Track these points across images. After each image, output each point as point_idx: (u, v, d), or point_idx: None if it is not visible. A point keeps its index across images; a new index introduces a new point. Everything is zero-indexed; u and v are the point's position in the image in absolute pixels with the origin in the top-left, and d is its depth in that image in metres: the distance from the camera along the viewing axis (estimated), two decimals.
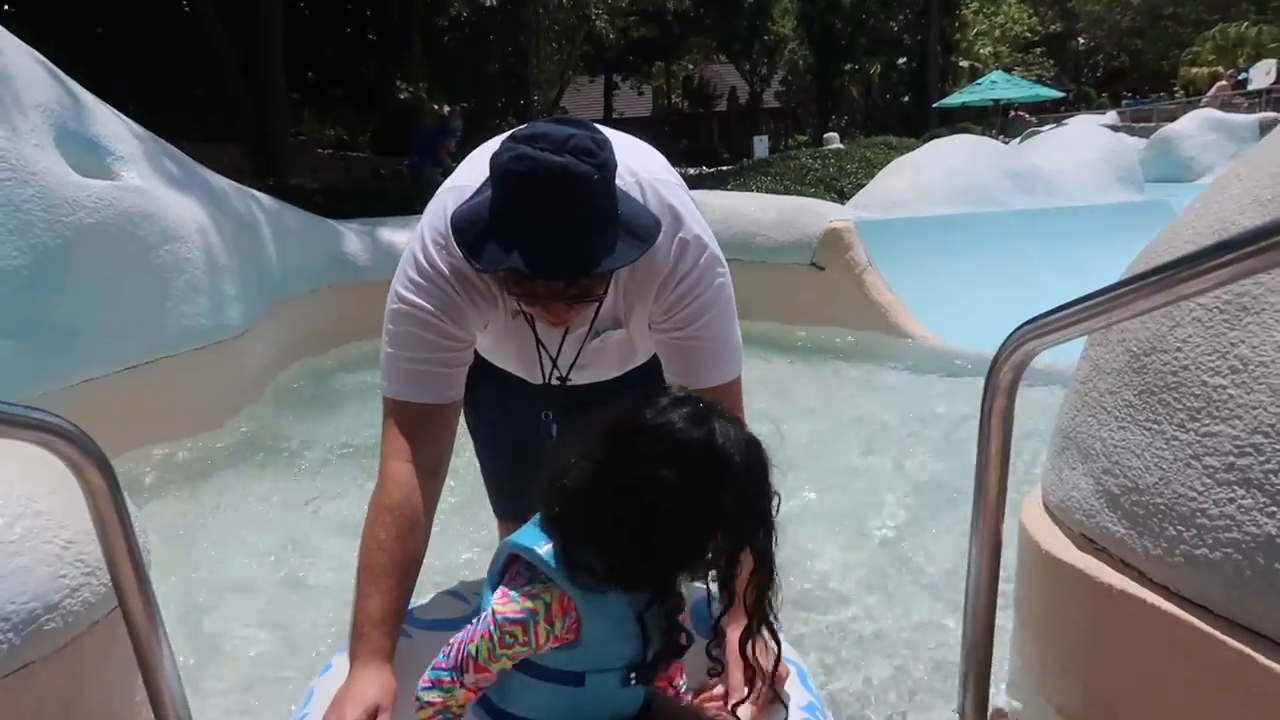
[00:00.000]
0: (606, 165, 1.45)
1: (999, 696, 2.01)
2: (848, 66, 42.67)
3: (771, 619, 1.39)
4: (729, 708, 1.44)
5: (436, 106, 16.05)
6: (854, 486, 3.39)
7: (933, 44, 38.77)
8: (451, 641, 1.33)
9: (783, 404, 4.36)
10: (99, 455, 1.53)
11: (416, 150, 12.98)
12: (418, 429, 1.69)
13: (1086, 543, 1.81)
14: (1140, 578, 1.67)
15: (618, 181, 1.54)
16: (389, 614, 1.55)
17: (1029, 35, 47.06)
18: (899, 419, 4.16)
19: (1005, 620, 1.97)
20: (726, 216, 5.69)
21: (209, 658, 2.45)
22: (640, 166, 1.71)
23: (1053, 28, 50.36)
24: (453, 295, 1.66)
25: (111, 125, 4.38)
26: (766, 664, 1.44)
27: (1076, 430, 1.91)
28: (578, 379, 1.89)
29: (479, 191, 1.56)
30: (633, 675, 1.33)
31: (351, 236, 5.96)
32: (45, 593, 1.70)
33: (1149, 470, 1.67)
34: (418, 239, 1.70)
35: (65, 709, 1.73)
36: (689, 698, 1.52)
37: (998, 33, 44.72)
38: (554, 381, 1.84)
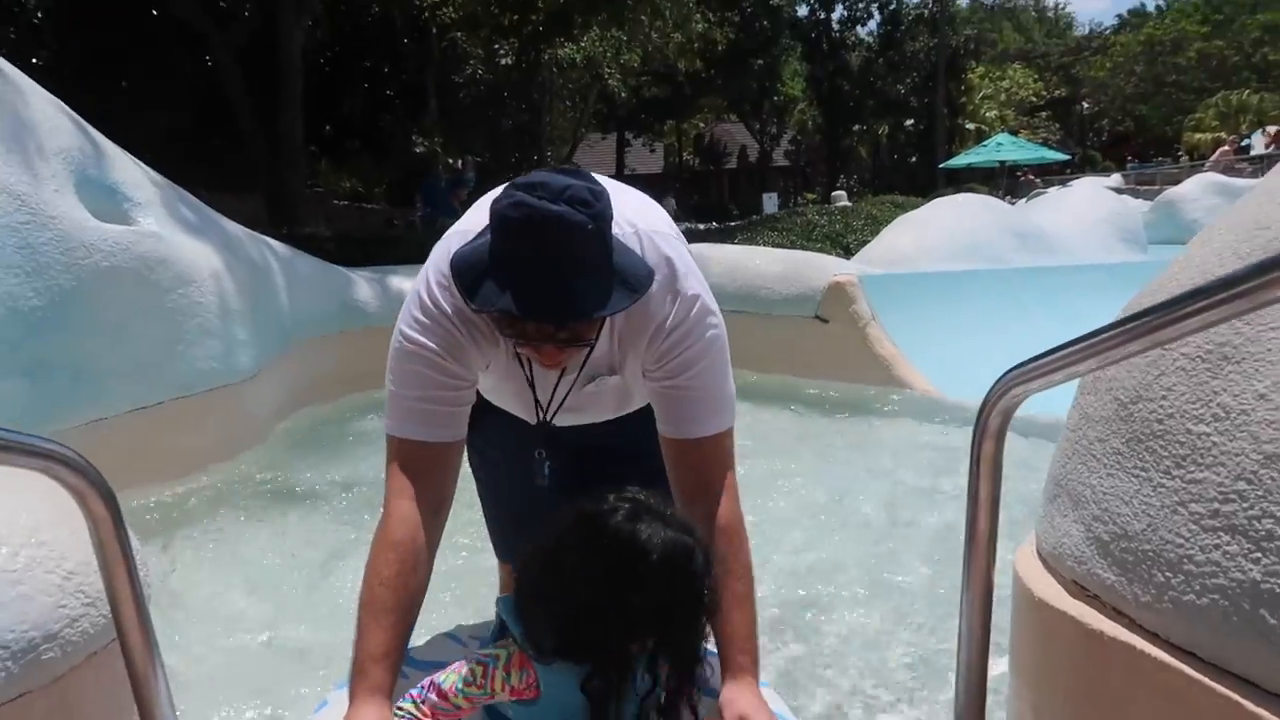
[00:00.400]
0: (601, 215, 1.50)
1: None
2: (856, 127, 43.41)
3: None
4: None
5: (451, 160, 16.36)
6: (859, 536, 3.40)
7: (939, 107, 39.43)
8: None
9: (784, 454, 4.37)
10: (103, 485, 1.56)
11: (429, 201, 13.18)
12: (421, 467, 1.72)
13: (1079, 589, 1.82)
14: (1131, 624, 1.67)
15: (616, 231, 1.59)
16: (389, 650, 1.56)
17: (1034, 99, 47.80)
18: (900, 470, 4.17)
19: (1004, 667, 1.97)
20: (732, 269, 5.77)
21: (208, 691, 2.45)
22: (640, 219, 1.76)
23: (1057, 92, 51.16)
24: (455, 335, 1.70)
25: (130, 172, 4.49)
26: None
27: (1067, 478, 1.93)
28: (572, 420, 1.93)
29: (480, 235, 1.61)
30: None
31: (362, 284, 6.05)
32: (45, 622, 1.72)
33: (1137, 517, 1.69)
34: (423, 280, 1.75)
35: None
36: None
37: (1003, 96, 45.45)
38: (539, 418, 1.87)
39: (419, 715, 1.43)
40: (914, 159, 40.95)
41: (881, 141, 44.30)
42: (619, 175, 35.72)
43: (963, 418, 4.64)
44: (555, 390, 1.86)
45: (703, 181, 47.46)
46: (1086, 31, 64.47)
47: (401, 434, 1.73)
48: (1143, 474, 1.70)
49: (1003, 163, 24.88)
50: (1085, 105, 50.74)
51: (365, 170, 25.40)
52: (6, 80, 3.95)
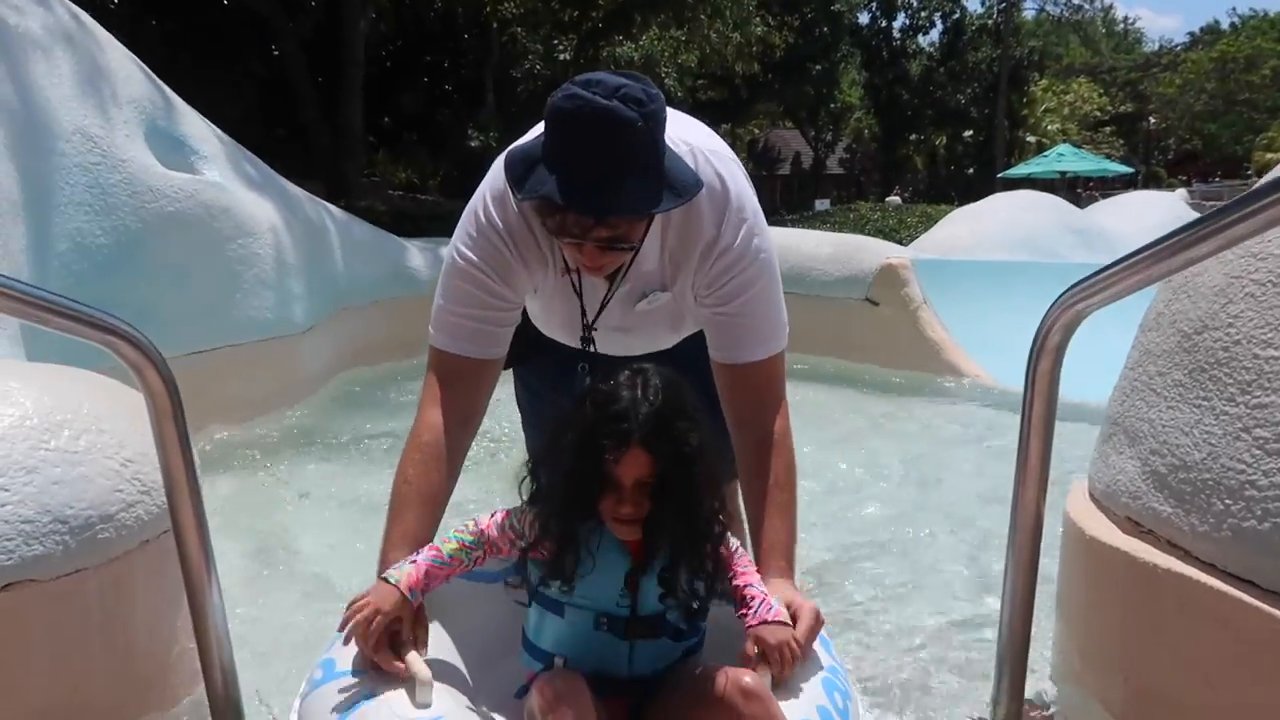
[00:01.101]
0: (653, 116, 1.50)
1: (1034, 687, 1.95)
2: (913, 137, 42.89)
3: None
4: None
5: None
6: (903, 518, 3.36)
7: (1000, 118, 38.81)
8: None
9: (828, 434, 4.33)
10: (160, 361, 1.61)
11: None
12: (456, 380, 1.76)
13: (1132, 525, 1.78)
14: (1185, 556, 1.63)
15: (670, 146, 1.60)
16: (409, 539, 1.60)
17: (1098, 114, 46.86)
18: (944, 450, 4.11)
19: (1040, 620, 1.93)
20: (782, 250, 5.68)
21: (255, 611, 2.51)
22: (695, 138, 1.76)
23: (1123, 108, 50.11)
24: (505, 252, 1.71)
25: (197, 127, 4.61)
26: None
27: (1124, 415, 1.89)
28: (623, 350, 1.92)
29: (537, 137, 1.62)
30: (604, 620, 1.40)
31: (415, 253, 6.13)
32: (102, 503, 1.77)
33: (1197, 446, 1.64)
34: (478, 196, 1.76)
35: (109, 622, 1.78)
36: None
37: (1066, 110, 44.63)
38: (584, 332, 1.87)
39: (480, 521, 1.49)
40: (971, 170, 40.35)
41: (938, 152, 43.71)
42: None
43: (1011, 403, 4.56)
44: (606, 307, 1.86)
45: (755, 186, 47.01)
46: (1156, 48, 63.05)
47: (442, 346, 1.77)
48: (1205, 403, 1.66)
49: (1063, 174, 24.39)
50: (1152, 121, 49.63)
51: (421, 162, 25.75)
52: (84, 28, 4.08)
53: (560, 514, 1.39)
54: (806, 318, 5.65)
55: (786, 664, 1.41)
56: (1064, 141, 33.72)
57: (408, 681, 1.40)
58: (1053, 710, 1.95)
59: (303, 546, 3.02)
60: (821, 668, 1.54)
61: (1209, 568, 1.58)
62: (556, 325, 1.99)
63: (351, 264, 5.48)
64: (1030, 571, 1.77)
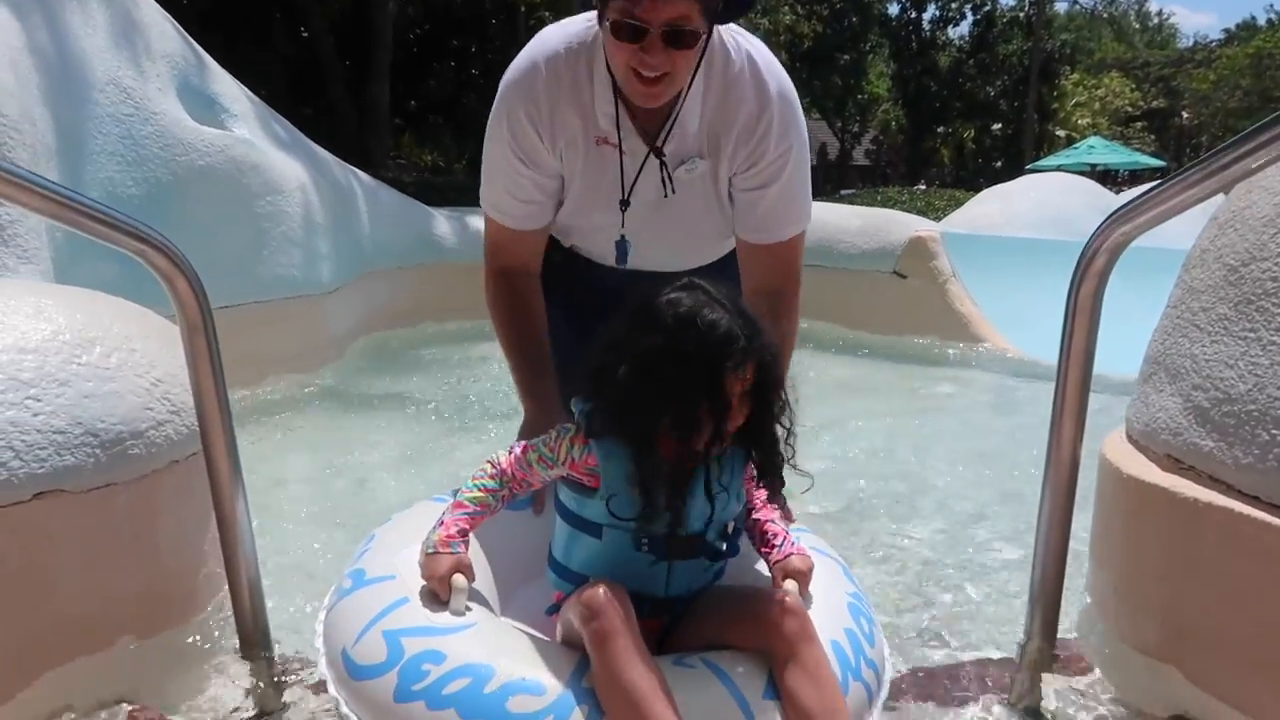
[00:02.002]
0: None
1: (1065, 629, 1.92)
2: (940, 129, 42.53)
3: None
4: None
5: None
6: (933, 480, 3.33)
7: (1029, 111, 38.39)
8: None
9: (858, 408, 4.29)
10: (191, 271, 1.61)
11: None
12: (510, 243, 1.95)
13: (1172, 463, 1.74)
14: (1228, 490, 1.60)
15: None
16: (539, 374, 1.89)
17: (1130, 109, 46.23)
18: (976, 423, 4.07)
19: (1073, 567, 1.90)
20: (810, 223, 5.68)
21: (281, 543, 2.52)
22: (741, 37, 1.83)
23: (1155, 103, 49.40)
24: (537, 88, 1.75)
25: (228, 86, 4.62)
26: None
27: (1166, 354, 1.85)
28: (654, 250, 1.92)
29: None
30: (645, 541, 1.39)
31: (442, 221, 6.13)
32: (132, 420, 1.77)
33: (1242, 379, 1.61)
34: (551, 35, 1.81)
35: (138, 537, 1.79)
36: None
37: (1097, 105, 44.07)
38: (623, 195, 1.87)
39: (500, 462, 1.50)
40: (999, 164, 39.93)
41: (966, 145, 43.31)
42: None
43: (1040, 373, 4.50)
44: (641, 173, 1.83)
45: None
46: (1190, 44, 62.07)
47: (491, 213, 1.93)
48: (1251, 334, 1.62)
49: (1094, 166, 24.07)
50: (1185, 117, 48.91)
51: (446, 145, 25.86)
52: None
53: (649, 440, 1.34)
54: (835, 290, 5.65)
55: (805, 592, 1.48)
56: (1094, 135, 33.29)
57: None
58: (1080, 650, 1.91)
59: (320, 498, 3.02)
60: (846, 594, 1.59)
61: (1253, 500, 1.55)
62: (591, 208, 1.92)
63: (378, 228, 5.49)
64: (1066, 507, 1.74)
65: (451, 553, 1.44)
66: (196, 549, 1.94)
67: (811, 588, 1.51)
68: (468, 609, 1.41)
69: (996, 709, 1.74)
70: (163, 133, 3.81)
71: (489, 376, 4.47)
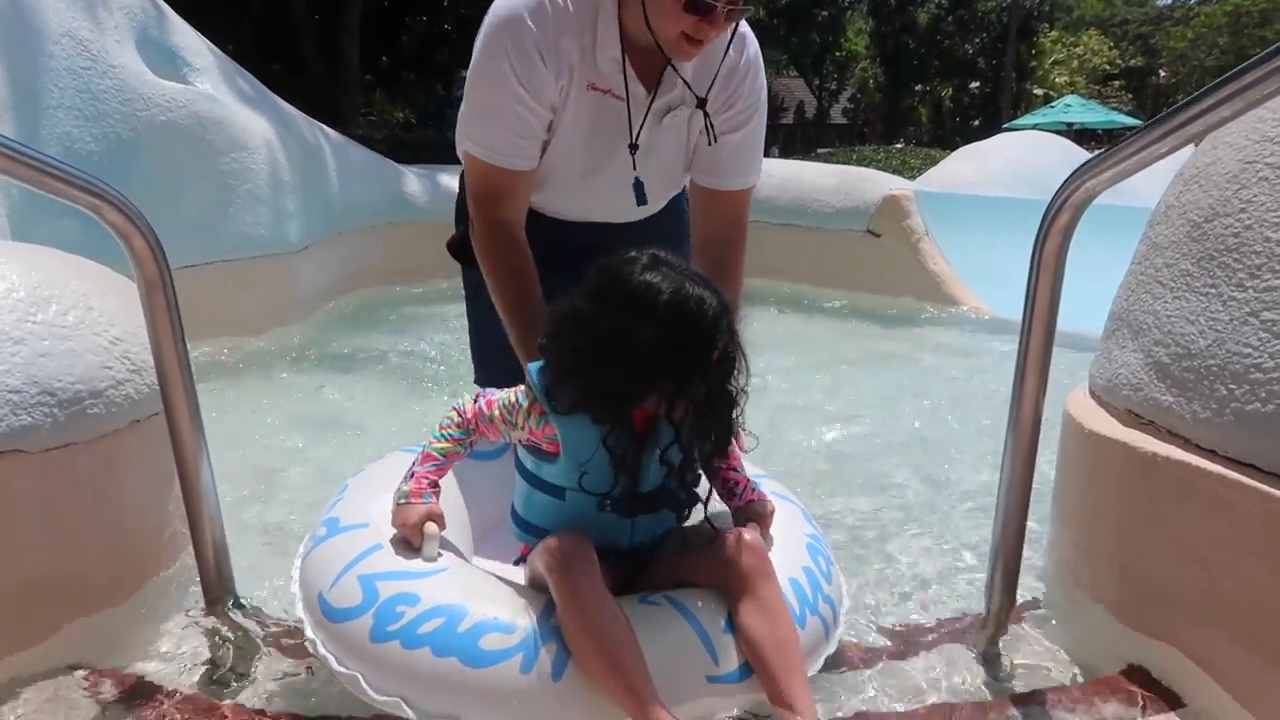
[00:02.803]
0: None
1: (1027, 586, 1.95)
2: (919, 87, 42.33)
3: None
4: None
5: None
6: (901, 438, 3.36)
7: (1008, 69, 38.25)
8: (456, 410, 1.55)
9: (829, 366, 4.31)
10: (146, 227, 1.58)
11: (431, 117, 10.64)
12: (504, 187, 1.85)
13: (1132, 418, 1.76)
14: (1186, 444, 1.62)
15: None
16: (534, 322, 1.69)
17: (1108, 67, 46.16)
18: (946, 381, 4.10)
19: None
20: (784, 181, 5.65)
21: (248, 500, 2.51)
22: None
23: (1133, 62, 49.31)
24: (544, 17, 1.72)
25: (190, 39, 4.51)
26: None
27: (1129, 310, 1.86)
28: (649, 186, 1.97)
29: None
30: (607, 502, 1.43)
31: (413, 179, 6.04)
32: (91, 379, 1.74)
33: (1203, 334, 1.62)
34: (490, 24, 1.75)
35: (100, 498, 1.77)
36: None
37: (1075, 63, 43.96)
38: (632, 139, 1.89)
39: (465, 412, 1.53)
40: (976, 122, 39.87)
41: (944, 103, 43.16)
42: None
43: (1012, 331, 4.52)
44: (648, 113, 1.88)
45: None
46: (1169, 1, 61.93)
47: (490, 158, 1.81)
48: (1212, 290, 1.63)
49: (1070, 125, 24.06)
50: (1162, 76, 48.94)
51: (419, 102, 25.44)
52: None
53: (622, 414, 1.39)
54: (808, 249, 5.66)
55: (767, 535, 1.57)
56: (1072, 94, 33.26)
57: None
58: (1042, 605, 1.94)
59: (288, 457, 3.00)
60: (805, 535, 1.67)
61: (1209, 454, 1.57)
62: (605, 157, 1.92)
63: (348, 186, 5.41)
64: (1028, 463, 1.76)
65: (424, 503, 1.50)
66: (161, 509, 1.93)
67: (772, 530, 1.59)
68: (440, 555, 1.48)
69: (959, 662, 1.77)
70: (122, 87, 3.72)
71: (462, 333, 4.44)
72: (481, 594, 1.40)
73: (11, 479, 1.61)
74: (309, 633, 1.47)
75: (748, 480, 1.61)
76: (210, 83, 4.39)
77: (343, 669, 1.39)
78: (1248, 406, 1.51)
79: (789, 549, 1.57)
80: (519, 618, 1.35)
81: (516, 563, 1.57)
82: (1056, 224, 1.57)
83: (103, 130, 3.61)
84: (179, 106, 3.96)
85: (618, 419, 1.38)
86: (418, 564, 1.45)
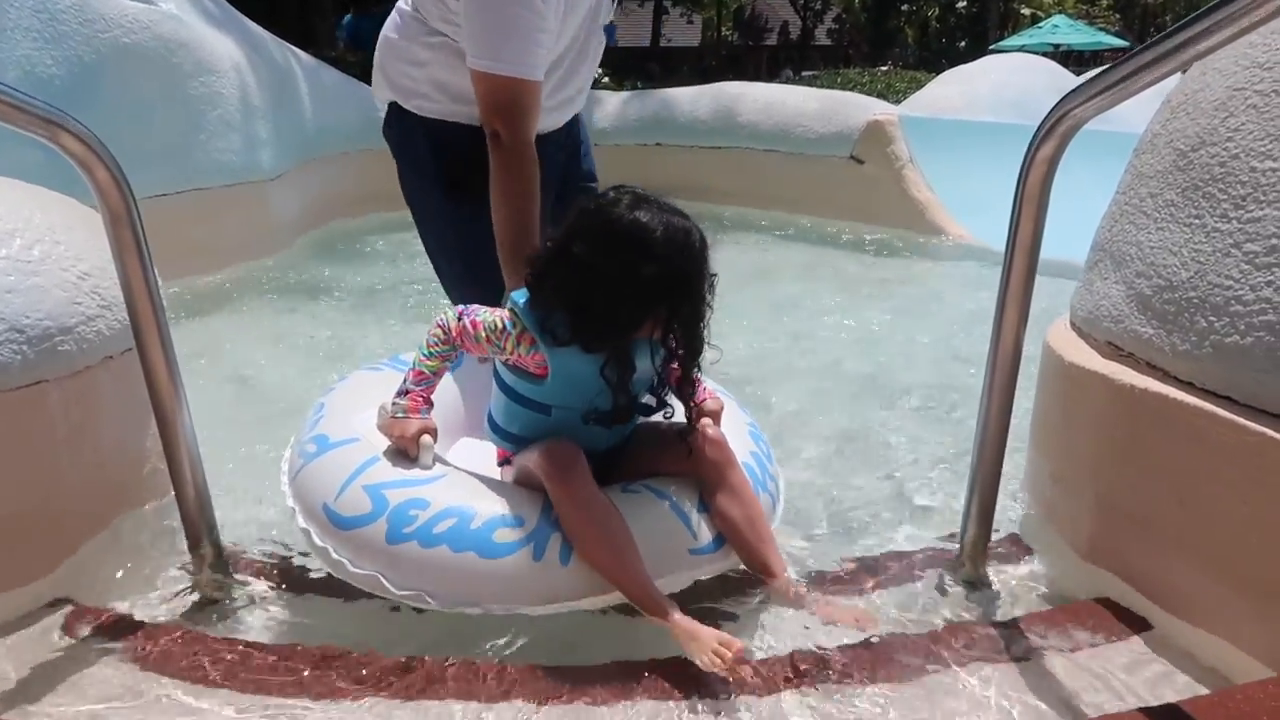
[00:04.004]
0: None
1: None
2: (905, 7, 41.50)
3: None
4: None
5: None
6: (882, 370, 3.37)
7: None
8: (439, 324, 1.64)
9: (811, 294, 4.30)
10: (109, 157, 1.53)
11: (355, 44, 9.65)
12: (535, 102, 1.94)
13: (1112, 350, 1.77)
14: (1164, 376, 1.63)
15: None
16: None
17: None
18: (929, 310, 4.11)
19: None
20: (767, 106, 5.56)
21: (225, 416, 2.52)
22: None
23: None
24: None
25: None
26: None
27: (1112, 240, 1.85)
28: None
29: None
30: (591, 415, 1.59)
31: None
32: (60, 315, 1.71)
33: (1185, 266, 1.61)
34: None
35: (76, 435, 1.75)
36: None
37: None
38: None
39: (450, 329, 1.62)
40: (963, 43, 39.19)
41: (930, 24, 42.38)
42: (654, 45, 34.47)
43: (996, 260, 4.51)
44: None
45: (740, 58, 45.81)
46: None
47: (527, 73, 1.88)
48: (1196, 221, 1.62)
49: (1057, 46, 23.69)
50: None
51: None
52: None
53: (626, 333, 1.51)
54: (790, 175, 5.59)
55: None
56: (1060, 13, 32.67)
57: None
58: (1020, 537, 1.97)
59: (268, 388, 2.99)
60: (745, 424, 1.90)
61: (1187, 386, 1.58)
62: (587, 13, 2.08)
63: (321, 111, 5.27)
64: (1007, 395, 1.77)
65: (420, 418, 1.63)
66: (139, 445, 1.91)
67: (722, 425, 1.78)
68: (434, 463, 1.62)
69: (936, 590, 1.80)
70: (81, 6, 3.57)
71: None
72: (484, 495, 1.56)
73: None
74: (317, 542, 1.57)
75: (700, 381, 1.74)
76: (174, 3, 4.22)
77: (360, 571, 1.52)
78: (1227, 339, 1.51)
79: (736, 438, 1.75)
80: (524, 513, 1.52)
81: (501, 465, 1.74)
82: (1041, 154, 1.55)
83: (63, 53, 3.48)
84: (143, 28, 3.82)
85: (616, 349, 1.51)
86: (417, 472, 1.58)
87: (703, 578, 1.59)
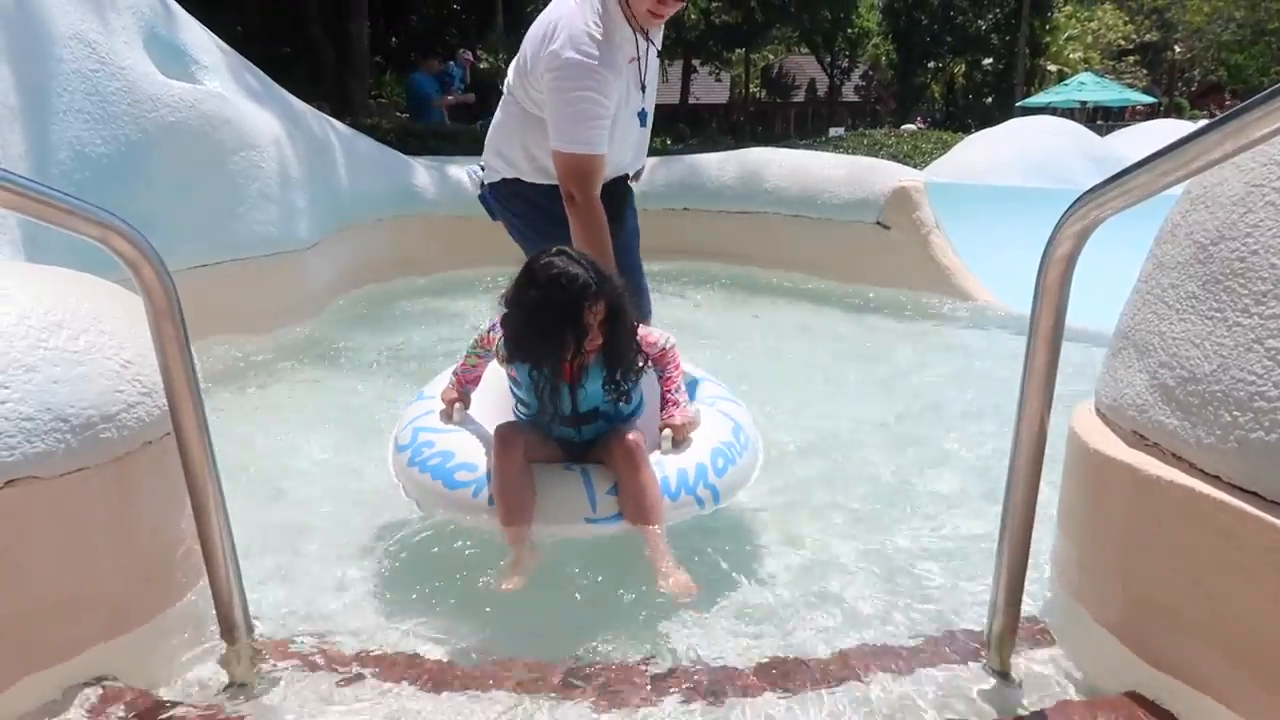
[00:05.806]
0: None
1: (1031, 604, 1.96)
2: (931, 64, 41.88)
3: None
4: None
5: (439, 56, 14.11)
6: (907, 436, 3.35)
7: (1021, 45, 37.77)
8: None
9: (837, 359, 4.31)
10: (155, 256, 1.59)
11: (413, 103, 10.25)
12: (601, 175, 2.72)
13: (1137, 439, 1.77)
14: (1190, 469, 1.62)
15: None
16: None
17: (1122, 43, 45.56)
18: (955, 376, 4.09)
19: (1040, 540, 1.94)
20: (793, 172, 5.63)
21: (261, 502, 2.57)
22: None
23: (1148, 36, 48.61)
24: (603, 52, 2.59)
25: (197, 35, 4.50)
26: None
27: (1135, 329, 1.85)
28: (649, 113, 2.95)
29: None
30: (546, 418, 2.23)
31: (421, 171, 6.04)
32: (103, 404, 1.77)
33: (1207, 359, 1.62)
34: (577, 22, 2.59)
35: (114, 521, 1.79)
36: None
37: (1090, 38, 43.41)
38: (640, 77, 2.82)
39: (481, 336, 2.38)
40: (989, 100, 39.43)
41: (956, 80, 42.71)
42: (683, 103, 34.98)
43: (1023, 328, 4.50)
44: (649, 60, 2.84)
45: (768, 114, 46.38)
46: None
47: (597, 150, 2.65)
48: (1218, 314, 1.63)
49: (1084, 103, 23.79)
50: (1177, 51, 48.25)
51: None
52: None
53: (549, 359, 2.13)
54: (817, 240, 5.63)
55: (680, 440, 2.29)
56: (1086, 70, 32.84)
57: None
58: (1045, 624, 1.95)
59: (299, 458, 3.04)
60: (730, 423, 2.43)
61: (1213, 479, 1.57)
62: (629, 104, 2.81)
63: (356, 180, 5.41)
64: (1032, 483, 1.77)
65: (455, 393, 2.42)
66: (175, 527, 1.95)
67: (705, 408, 2.44)
68: (459, 423, 2.37)
69: (963, 678, 1.78)
70: (130, 88, 3.72)
71: (465, 322, 4.53)
72: (467, 448, 2.26)
73: (26, 506, 1.63)
74: (390, 464, 2.37)
75: (676, 402, 2.31)
76: (219, 80, 4.39)
77: (396, 481, 2.31)
78: (1251, 434, 1.51)
79: (707, 430, 2.35)
80: (480, 464, 2.20)
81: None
82: (1058, 253, 1.57)
83: (112, 133, 3.62)
84: (188, 106, 3.97)
85: (542, 366, 2.14)
86: (441, 424, 2.35)
87: (589, 536, 2.16)
